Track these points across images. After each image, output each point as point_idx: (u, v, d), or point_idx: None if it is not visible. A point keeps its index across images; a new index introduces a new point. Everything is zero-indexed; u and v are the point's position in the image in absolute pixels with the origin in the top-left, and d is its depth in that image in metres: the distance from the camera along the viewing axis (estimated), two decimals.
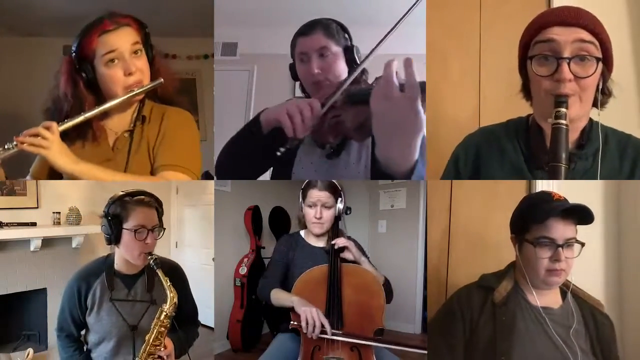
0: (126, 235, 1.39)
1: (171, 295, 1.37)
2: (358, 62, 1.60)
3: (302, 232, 1.79)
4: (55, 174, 1.55)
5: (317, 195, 1.65)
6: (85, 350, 1.51)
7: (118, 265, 1.48)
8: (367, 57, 1.54)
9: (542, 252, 1.26)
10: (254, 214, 3.35)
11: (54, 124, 1.28)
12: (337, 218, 1.71)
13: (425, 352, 1.39)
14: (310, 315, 1.43)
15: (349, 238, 1.70)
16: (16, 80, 3.41)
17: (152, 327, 1.37)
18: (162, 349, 1.38)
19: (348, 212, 1.74)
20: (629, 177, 1.25)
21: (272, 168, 1.67)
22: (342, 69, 1.60)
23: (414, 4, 1.44)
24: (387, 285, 1.65)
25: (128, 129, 1.47)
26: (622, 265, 1.91)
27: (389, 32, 1.42)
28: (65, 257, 2.98)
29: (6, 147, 1.26)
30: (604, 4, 2.06)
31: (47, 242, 2.93)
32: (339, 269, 1.57)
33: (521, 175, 1.31)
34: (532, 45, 1.22)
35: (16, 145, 1.25)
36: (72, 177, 1.30)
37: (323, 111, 1.43)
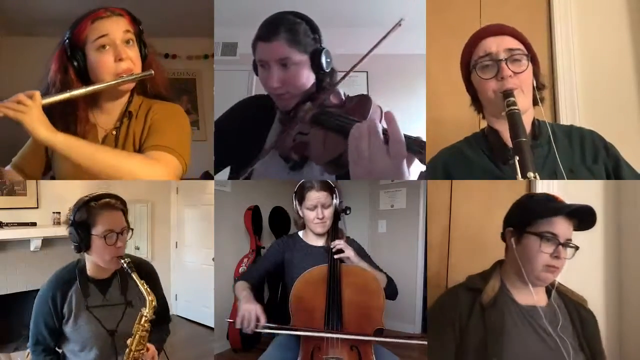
0: (96, 241, 1.35)
1: (150, 299, 1.35)
2: (325, 67, 1.53)
3: (300, 233, 1.79)
4: (41, 169, 1.54)
5: (317, 196, 1.65)
6: (63, 357, 1.47)
7: (90, 270, 1.44)
8: (341, 78, 1.51)
9: (545, 247, 1.30)
10: (254, 214, 3.35)
11: (36, 93, 1.24)
12: (336, 217, 1.71)
13: (425, 342, 1.39)
14: (247, 311, 1.44)
15: (348, 239, 1.70)
16: (16, 80, 3.42)
17: (133, 332, 1.36)
18: (145, 352, 1.37)
19: (348, 212, 1.74)
20: (581, 156, 1.42)
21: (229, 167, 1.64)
22: (305, 78, 1.51)
23: (387, 33, 1.46)
24: (391, 284, 1.65)
25: (115, 126, 1.45)
26: (622, 265, 1.91)
27: (363, 57, 1.46)
28: (65, 257, 2.97)
29: None
30: (604, 4, 2.07)
31: (47, 242, 2.93)
32: (338, 269, 1.57)
33: (491, 175, 1.43)
34: (474, 61, 1.43)
35: None
36: (49, 146, 1.25)
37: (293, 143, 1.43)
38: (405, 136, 1.17)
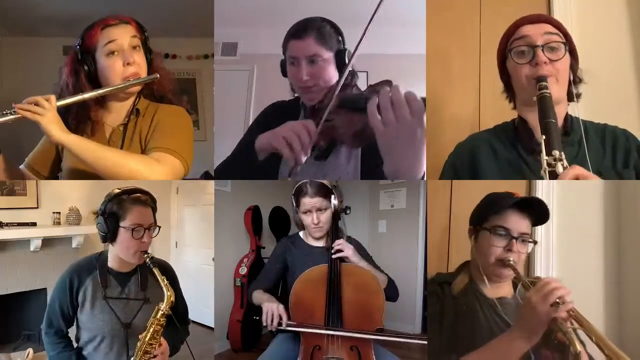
0: (123, 234, 1.39)
1: (169, 294, 1.36)
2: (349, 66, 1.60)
3: (300, 233, 1.79)
4: (51, 167, 1.60)
5: (310, 202, 1.66)
6: (75, 347, 1.50)
7: (112, 262, 1.48)
8: (346, 67, 1.53)
9: (497, 241, 1.32)
10: (254, 214, 3.35)
11: (52, 97, 1.34)
12: (336, 217, 1.71)
13: (424, 342, 1.40)
14: (270, 309, 1.49)
15: (349, 238, 1.70)
16: (16, 80, 3.42)
17: (148, 325, 1.37)
18: (157, 347, 1.37)
19: (348, 212, 1.74)
20: (612, 159, 1.38)
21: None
22: (332, 74, 1.60)
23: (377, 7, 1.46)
24: (391, 285, 1.65)
25: (123, 122, 1.52)
26: (622, 265, 1.91)
27: (360, 40, 1.46)
28: (65, 257, 2.98)
29: (4, 112, 1.30)
30: (603, 3, 2.07)
31: (47, 242, 2.93)
32: (338, 268, 1.57)
33: (517, 167, 1.40)
34: (509, 44, 1.42)
35: (14, 111, 1.30)
36: (62, 145, 1.33)
37: (319, 128, 1.43)
38: None
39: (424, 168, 1.26)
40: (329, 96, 1.52)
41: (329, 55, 1.60)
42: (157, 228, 1.45)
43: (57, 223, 3.02)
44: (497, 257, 1.32)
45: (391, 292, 1.65)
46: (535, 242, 1.35)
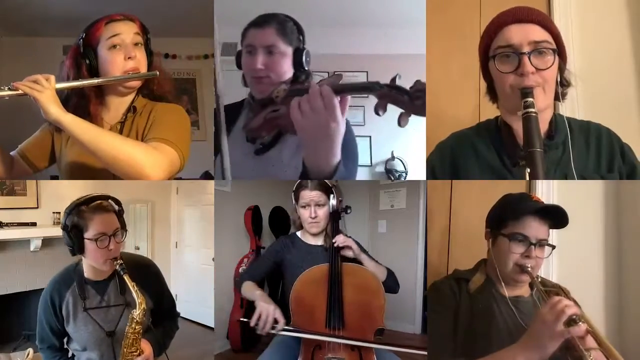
0: (88, 245, 1.37)
1: (139, 301, 1.35)
2: (305, 65, 1.62)
3: (298, 233, 1.79)
4: (44, 160, 1.60)
5: (309, 195, 1.66)
6: (70, 355, 1.50)
7: (87, 273, 1.46)
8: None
9: (515, 248, 1.31)
10: (254, 214, 3.35)
11: (52, 76, 1.34)
12: (336, 216, 1.71)
13: (424, 352, 1.39)
14: (266, 311, 1.43)
15: (346, 236, 1.70)
16: (16, 81, 3.41)
17: (125, 334, 1.36)
18: (138, 354, 1.37)
19: (348, 212, 1.74)
20: (596, 162, 1.33)
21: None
22: (286, 69, 1.60)
23: None
24: (391, 277, 1.66)
25: (120, 120, 1.52)
26: (622, 265, 1.91)
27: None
28: (65, 257, 2.96)
29: (1, 87, 1.31)
30: (604, 3, 2.07)
31: (47, 242, 2.94)
32: (339, 268, 1.57)
33: (497, 173, 1.36)
34: (493, 49, 1.31)
35: (11, 87, 1.31)
36: (58, 124, 1.31)
37: (265, 117, 1.44)
38: (402, 88, 1.26)
39: (337, 159, 1.27)
40: (277, 88, 1.49)
41: (287, 49, 1.61)
42: (124, 232, 1.42)
43: (57, 223, 3.02)
44: (515, 263, 1.31)
45: (391, 283, 1.65)
46: (553, 247, 1.33)
